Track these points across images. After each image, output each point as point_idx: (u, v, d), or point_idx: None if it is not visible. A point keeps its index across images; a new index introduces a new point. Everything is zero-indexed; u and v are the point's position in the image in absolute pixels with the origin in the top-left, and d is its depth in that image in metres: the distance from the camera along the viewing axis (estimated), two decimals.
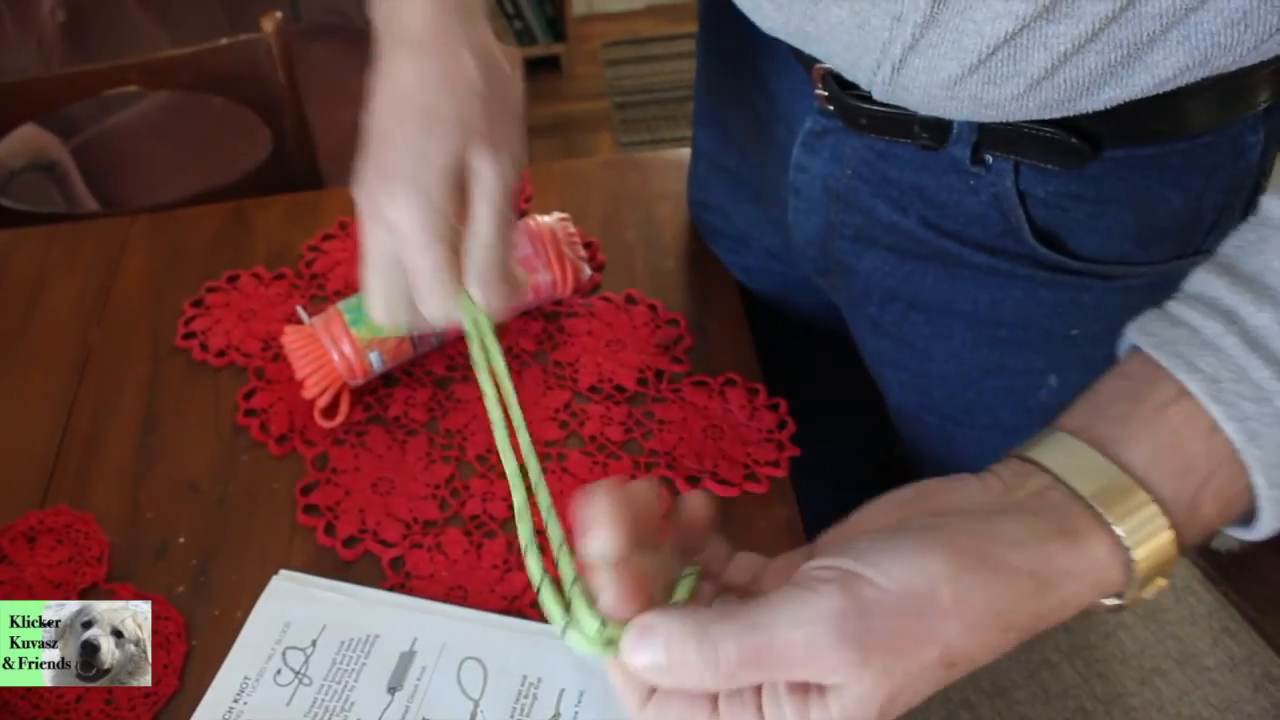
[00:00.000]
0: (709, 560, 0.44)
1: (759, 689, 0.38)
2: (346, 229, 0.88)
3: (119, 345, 0.80)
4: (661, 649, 0.36)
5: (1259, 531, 0.40)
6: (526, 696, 0.59)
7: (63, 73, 1.12)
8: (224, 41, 1.08)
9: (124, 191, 1.55)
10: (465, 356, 0.77)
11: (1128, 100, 0.51)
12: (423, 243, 0.50)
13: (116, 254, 0.88)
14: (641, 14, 2.98)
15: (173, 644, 0.62)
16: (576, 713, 0.58)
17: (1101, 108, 0.52)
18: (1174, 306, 0.41)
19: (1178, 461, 0.38)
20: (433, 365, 0.77)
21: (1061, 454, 0.39)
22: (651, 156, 0.96)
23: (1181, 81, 0.50)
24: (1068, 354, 0.67)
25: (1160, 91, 0.51)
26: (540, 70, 2.81)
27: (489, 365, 0.51)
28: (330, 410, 0.73)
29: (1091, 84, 0.50)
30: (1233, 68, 0.50)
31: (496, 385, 0.49)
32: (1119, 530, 0.37)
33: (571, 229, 0.81)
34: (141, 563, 0.67)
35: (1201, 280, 0.41)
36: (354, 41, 1.84)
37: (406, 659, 0.61)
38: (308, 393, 0.72)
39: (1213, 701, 0.91)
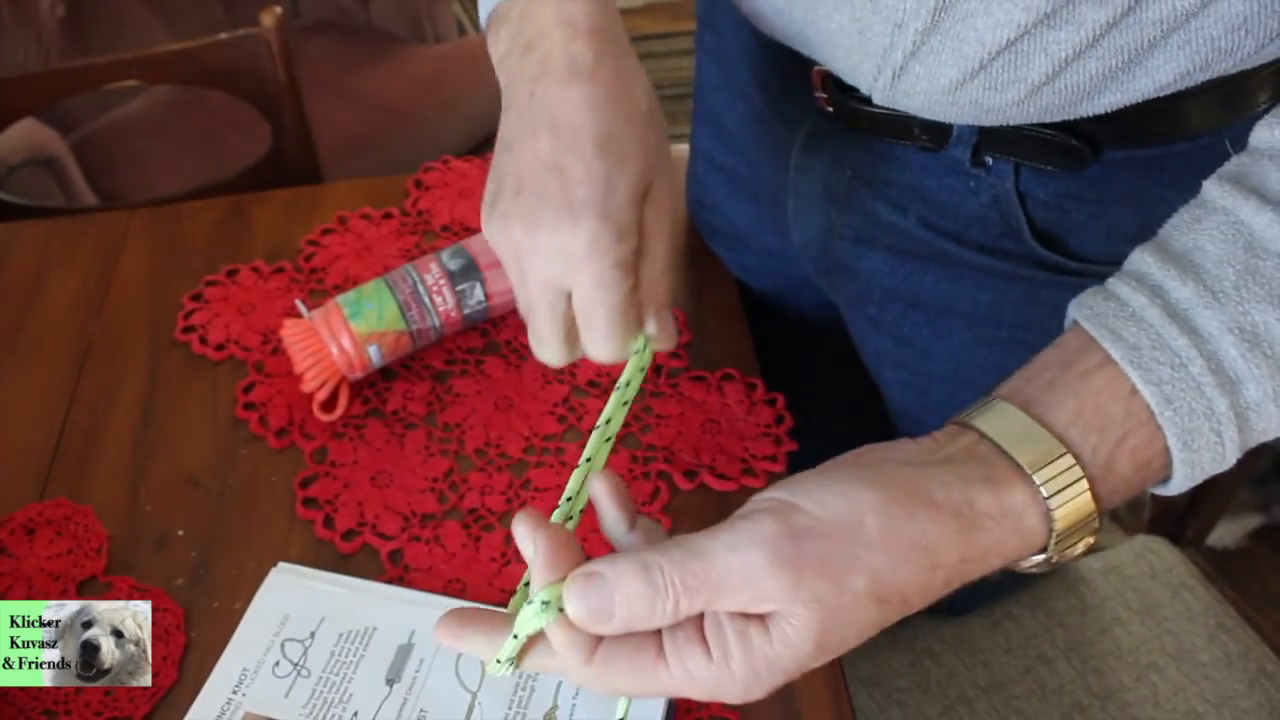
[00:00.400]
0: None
1: (701, 625, 0.39)
2: (345, 223, 0.88)
3: (118, 339, 0.81)
4: (607, 586, 0.38)
5: (1172, 489, 0.42)
6: (524, 689, 0.59)
7: (61, 67, 1.12)
8: (223, 36, 1.08)
9: (123, 186, 1.55)
10: (464, 351, 0.77)
11: (1128, 104, 0.51)
12: (613, 279, 0.48)
13: (116, 248, 0.88)
14: (641, 11, 2.98)
15: (172, 636, 0.63)
16: (574, 705, 0.58)
17: (1102, 112, 0.52)
18: (1111, 282, 0.43)
19: (1096, 421, 0.40)
20: (431, 359, 0.77)
21: (991, 415, 0.41)
22: None
23: (1182, 85, 0.50)
24: None
25: (1160, 95, 0.51)
26: None
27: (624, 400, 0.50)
28: (329, 404, 0.73)
29: (1092, 89, 0.51)
30: (1233, 71, 0.50)
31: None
32: (1036, 479, 0.39)
33: None
34: (140, 555, 0.67)
35: (1137, 258, 0.43)
36: (353, 37, 1.84)
37: (405, 651, 0.61)
38: (307, 386, 0.72)
39: (1208, 697, 0.91)
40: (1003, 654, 0.94)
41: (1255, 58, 0.49)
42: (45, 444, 0.73)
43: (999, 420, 0.41)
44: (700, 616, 0.39)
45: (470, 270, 0.74)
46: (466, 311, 0.75)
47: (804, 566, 0.37)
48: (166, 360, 0.79)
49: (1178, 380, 0.39)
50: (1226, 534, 1.53)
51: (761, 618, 0.38)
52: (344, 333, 0.71)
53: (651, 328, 0.51)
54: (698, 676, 0.39)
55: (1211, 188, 0.43)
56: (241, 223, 0.90)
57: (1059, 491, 0.39)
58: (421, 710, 0.59)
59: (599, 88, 0.49)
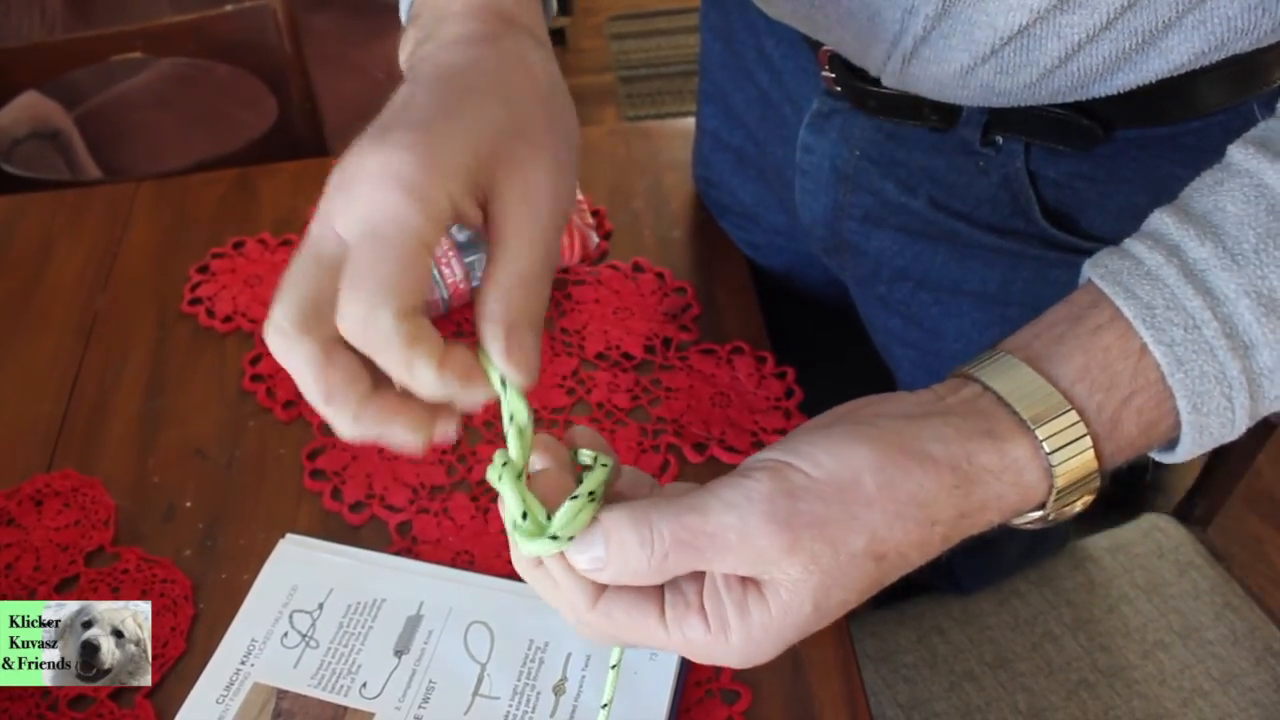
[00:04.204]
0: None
1: (701, 589, 0.39)
2: None
3: (125, 311, 0.80)
4: (602, 536, 0.38)
5: (1178, 455, 0.41)
6: (533, 660, 0.59)
7: (65, 39, 1.12)
8: (229, 8, 1.07)
9: (128, 160, 1.55)
10: (472, 323, 0.77)
11: (1140, 84, 0.51)
12: (402, 221, 0.36)
13: (122, 220, 0.87)
14: None
15: (180, 607, 0.62)
16: (584, 677, 0.58)
17: (1114, 92, 0.52)
18: (1127, 241, 0.42)
19: (1103, 378, 0.39)
20: (440, 331, 0.76)
21: (995, 368, 0.41)
22: (660, 125, 0.96)
23: (1196, 65, 0.49)
24: None
25: (1173, 75, 0.50)
26: None
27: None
28: None
29: (1105, 71, 0.50)
30: (1248, 50, 0.49)
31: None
32: (1038, 434, 0.38)
33: (579, 197, 0.81)
34: (148, 526, 0.67)
35: (1156, 218, 0.42)
36: (356, 13, 1.83)
37: (413, 623, 0.61)
38: None
39: (1214, 675, 0.91)
40: (1009, 631, 0.93)
41: (1272, 35, 0.48)
42: (53, 415, 0.73)
43: (1003, 374, 0.40)
44: (701, 583, 0.39)
45: (478, 242, 0.74)
46: (475, 283, 0.74)
47: (801, 526, 0.37)
48: (173, 332, 0.79)
49: (1190, 342, 0.39)
50: (1230, 515, 1.53)
51: (758, 585, 0.38)
52: None
53: (497, 348, 0.38)
54: (696, 643, 0.39)
55: (1236, 151, 0.42)
56: (248, 195, 0.89)
57: (1062, 448, 0.38)
58: (430, 681, 0.59)
59: (488, 51, 0.41)
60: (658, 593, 0.39)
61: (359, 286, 0.35)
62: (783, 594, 0.37)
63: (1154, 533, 1.01)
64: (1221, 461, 0.98)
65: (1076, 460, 0.39)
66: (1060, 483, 0.39)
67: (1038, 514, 0.41)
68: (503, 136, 0.38)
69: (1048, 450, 0.39)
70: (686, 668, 0.59)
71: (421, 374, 0.36)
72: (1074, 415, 0.39)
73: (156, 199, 0.89)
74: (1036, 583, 0.97)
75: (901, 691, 0.90)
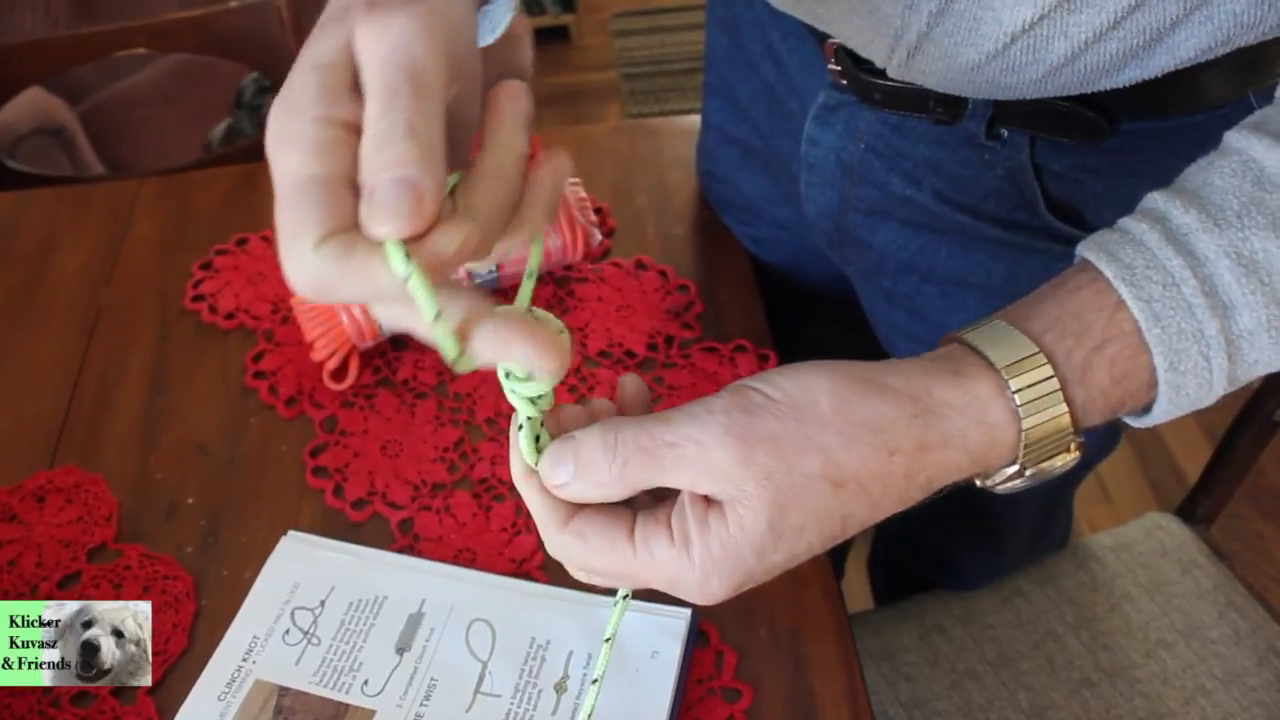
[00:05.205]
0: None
1: (670, 513, 0.39)
2: None
3: (128, 307, 0.80)
4: (572, 449, 0.39)
5: (1155, 415, 0.41)
6: (535, 658, 0.59)
7: (69, 34, 1.12)
8: (233, 4, 1.07)
9: (131, 157, 1.55)
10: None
11: (1146, 79, 0.51)
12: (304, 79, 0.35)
13: (125, 216, 0.87)
14: None
15: (182, 604, 0.63)
16: (585, 675, 0.58)
17: (1119, 87, 0.52)
18: (1119, 220, 0.43)
19: (1075, 326, 0.40)
20: None
21: (974, 328, 0.41)
22: (663, 123, 0.96)
23: (1201, 60, 0.49)
24: None
25: (1179, 69, 0.50)
26: (549, 41, 2.79)
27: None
28: (339, 373, 0.73)
29: (1111, 68, 0.50)
30: (1254, 43, 0.49)
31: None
32: (1004, 373, 0.39)
33: (582, 194, 0.80)
34: (150, 523, 0.67)
35: (1148, 197, 0.43)
36: None
37: (415, 620, 0.61)
38: (317, 355, 0.72)
39: (1217, 674, 0.91)
40: (1012, 629, 0.93)
41: (1277, 29, 0.48)
42: (55, 412, 0.73)
43: (978, 329, 0.41)
44: (670, 508, 0.40)
45: None
46: (477, 281, 0.74)
47: (755, 440, 0.37)
48: (176, 329, 0.79)
49: (1168, 299, 0.39)
50: (1237, 517, 1.53)
51: (720, 505, 0.38)
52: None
53: (368, 215, 0.33)
54: (659, 559, 0.39)
55: (1230, 135, 0.43)
56: (252, 192, 0.89)
57: (1027, 388, 0.38)
58: (431, 679, 0.59)
59: None
60: (629, 517, 0.40)
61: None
62: (740, 509, 0.38)
63: (1156, 531, 1.01)
64: (1224, 460, 0.98)
65: (1043, 403, 0.39)
66: (1028, 425, 0.39)
67: (1012, 468, 0.40)
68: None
69: (1012, 389, 0.38)
70: (688, 666, 0.59)
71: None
72: (1041, 358, 0.39)
73: (160, 195, 0.89)
74: (1039, 581, 0.97)
75: (903, 690, 0.90)
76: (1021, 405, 0.38)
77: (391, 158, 0.33)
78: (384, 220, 0.33)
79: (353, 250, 0.33)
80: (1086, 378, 0.39)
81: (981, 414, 0.39)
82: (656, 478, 0.39)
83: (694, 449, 0.38)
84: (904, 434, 0.38)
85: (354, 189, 0.34)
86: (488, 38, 0.45)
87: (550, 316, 0.39)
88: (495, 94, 0.38)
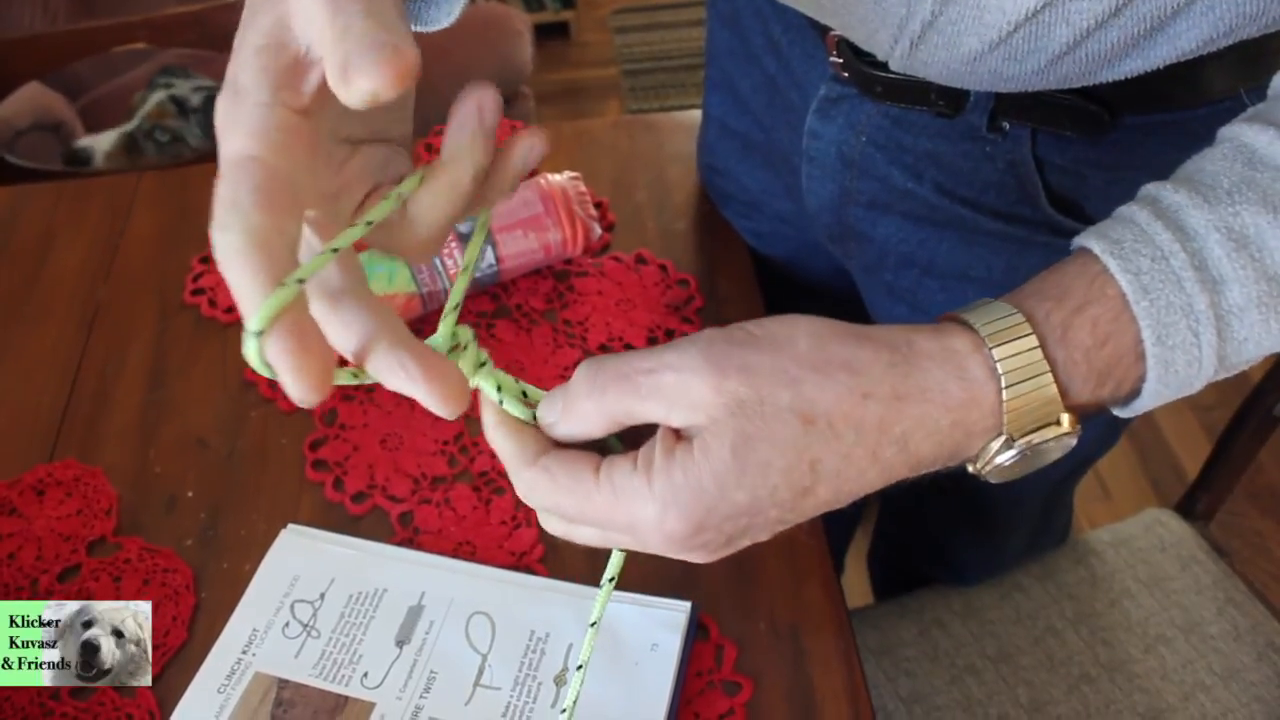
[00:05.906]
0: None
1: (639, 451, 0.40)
2: None
3: (127, 301, 0.80)
4: (563, 390, 0.41)
5: (1144, 395, 0.41)
6: (534, 651, 0.59)
7: (68, 29, 1.12)
8: None
9: None
10: (477, 314, 0.77)
11: (1148, 70, 0.51)
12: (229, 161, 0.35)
13: (124, 211, 0.87)
14: None
15: (181, 596, 0.63)
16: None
17: (1120, 78, 0.52)
18: (1118, 208, 0.43)
19: (1055, 291, 0.40)
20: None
21: (964, 308, 0.41)
22: (663, 118, 0.96)
23: (1204, 51, 0.49)
24: None
25: (1181, 60, 0.50)
26: (549, 37, 2.79)
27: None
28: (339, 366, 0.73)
29: (1113, 57, 0.50)
30: (1257, 35, 0.49)
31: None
32: (981, 330, 0.39)
33: (582, 188, 0.80)
34: (150, 516, 0.67)
35: (1142, 189, 0.43)
36: None
37: (415, 613, 0.61)
38: None
39: (1216, 670, 0.91)
40: (1011, 625, 0.93)
41: None
42: (54, 406, 0.73)
43: (969, 307, 0.41)
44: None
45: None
46: (477, 275, 0.74)
47: (729, 368, 0.38)
48: (176, 322, 0.78)
49: (1157, 272, 0.38)
50: (1237, 514, 1.53)
51: (689, 441, 0.38)
52: None
53: (338, 75, 0.33)
54: (620, 490, 0.39)
55: (1225, 128, 0.43)
56: None
57: (1004, 344, 0.38)
58: (431, 672, 0.59)
59: None
60: (596, 459, 0.41)
61: None
62: (707, 436, 0.38)
63: (1156, 527, 1.01)
64: (1224, 457, 0.98)
65: (1021, 360, 0.38)
66: (1008, 381, 0.38)
67: (999, 439, 0.40)
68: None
69: (990, 345, 0.38)
70: (688, 659, 0.59)
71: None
72: (1019, 317, 0.39)
73: (158, 190, 0.89)
74: (1038, 576, 0.97)
75: (903, 684, 0.90)
76: (1000, 361, 0.38)
77: (359, 32, 0.33)
78: (365, 71, 0.33)
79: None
80: (1067, 337, 0.39)
81: (960, 369, 0.39)
82: (634, 406, 0.39)
83: (671, 375, 0.38)
84: (880, 379, 0.38)
85: (291, 187, 0.35)
86: (443, 20, 0.46)
87: (470, 347, 0.43)
88: (463, 105, 0.40)
